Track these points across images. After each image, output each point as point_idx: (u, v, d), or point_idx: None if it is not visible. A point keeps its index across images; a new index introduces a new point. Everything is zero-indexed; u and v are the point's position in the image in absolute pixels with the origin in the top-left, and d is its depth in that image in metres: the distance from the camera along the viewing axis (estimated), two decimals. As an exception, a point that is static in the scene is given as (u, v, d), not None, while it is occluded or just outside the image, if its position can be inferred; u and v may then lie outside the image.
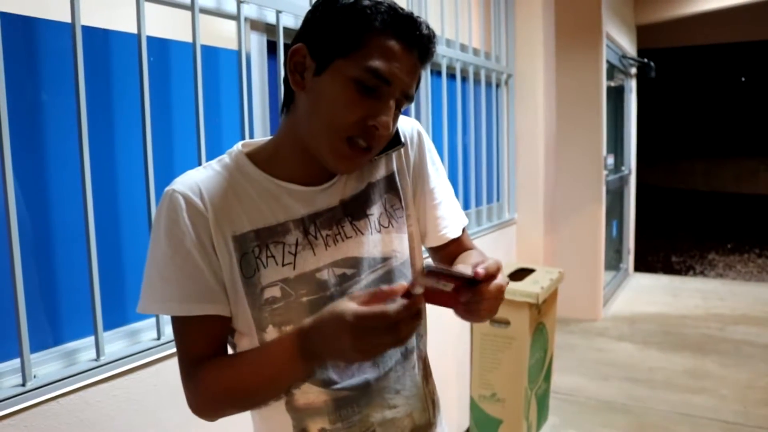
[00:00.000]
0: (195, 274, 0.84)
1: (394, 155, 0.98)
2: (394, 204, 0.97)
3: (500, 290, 0.78)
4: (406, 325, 0.70)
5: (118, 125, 1.35)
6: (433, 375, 1.09)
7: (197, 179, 0.87)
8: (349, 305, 0.72)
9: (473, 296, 0.77)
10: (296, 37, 0.89)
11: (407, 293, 0.72)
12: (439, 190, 1.03)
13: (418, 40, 0.84)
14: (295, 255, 0.88)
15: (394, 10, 0.83)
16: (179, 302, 0.84)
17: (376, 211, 0.95)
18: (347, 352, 0.72)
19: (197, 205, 0.85)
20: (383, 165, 0.98)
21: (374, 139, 0.85)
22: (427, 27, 0.86)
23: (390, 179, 0.98)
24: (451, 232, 1.03)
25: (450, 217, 1.04)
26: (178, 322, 0.87)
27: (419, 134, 1.02)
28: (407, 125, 1.01)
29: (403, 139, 0.97)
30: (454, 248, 1.05)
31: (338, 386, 0.90)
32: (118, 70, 1.35)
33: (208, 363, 0.85)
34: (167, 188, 0.86)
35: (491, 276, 0.77)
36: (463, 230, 1.06)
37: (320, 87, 0.84)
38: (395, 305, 0.69)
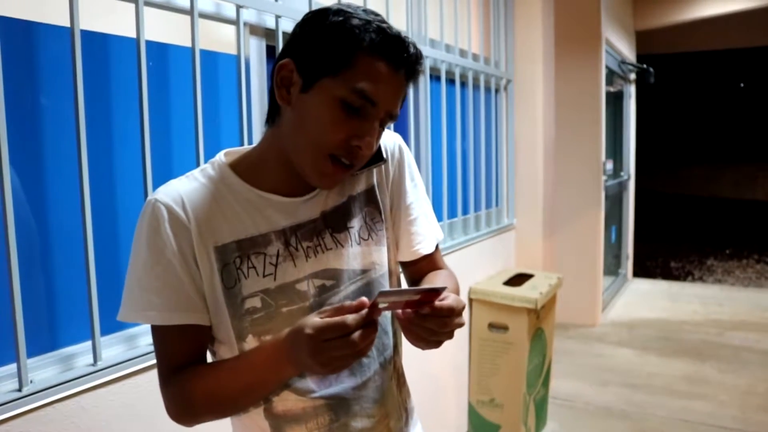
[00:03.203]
0: (175, 283, 0.85)
1: (374, 170, 0.99)
2: (375, 217, 0.98)
3: (450, 309, 0.79)
4: (363, 338, 0.73)
5: (117, 130, 1.35)
6: (432, 380, 1.10)
7: (180, 189, 0.88)
8: (310, 319, 0.75)
9: (422, 317, 0.79)
10: (283, 50, 0.89)
11: (371, 307, 0.75)
12: (415, 206, 1.04)
13: (405, 62, 0.84)
14: (276, 266, 0.89)
15: (383, 30, 0.83)
16: (159, 311, 0.85)
17: (356, 223, 0.96)
18: (310, 365, 0.76)
19: (180, 216, 0.85)
20: (364, 179, 0.99)
21: (357, 158, 0.86)
22: (415, 47, 0.86)
23: (370, 193, 0.99)
24: (424, 248, 1.05)
25: (424, 234, 1.05)
26: (157, 331, 0.88)
27: (400, 149, 1.03)
28: (389, 140, 1.02)
29: (384, 155, 0.99)
30: (426, 264, 1.06)
31: (317, 395, 0.91)
32: (117, 74, 1.34)
33: (188, 371, 0.86)
34: (149, 198, 0.87)
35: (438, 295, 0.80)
36: (436, 247, 1.08)
37: (306, 104, 0.84)
38: (352, 316, 0.73)
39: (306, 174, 0.88)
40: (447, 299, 0.80)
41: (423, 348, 0.84)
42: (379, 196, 0.99)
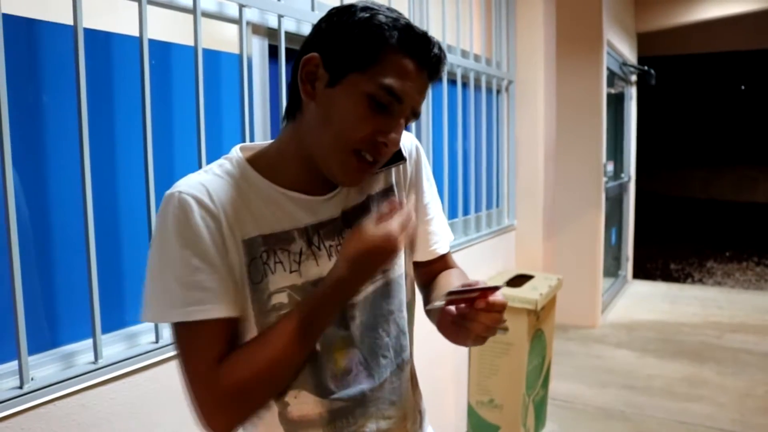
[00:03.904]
0: (215, 276, 0.81)
1: (393, 169, 0.99)
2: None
3: (503, 304, 0.82)
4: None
5: (119, 128, 1.35)
6: (431, 381, 1.10)
7: (202, 181, 0.85)
8: (364, 230, 0.83)
9: (475, 311, 0.82)
10: (307, 45, 0.88)
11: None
12: (431, 206, 1.05)
13: (430, 60, 0.85)
14: (299, 264, 0.87)
15: (410, 28, 0.84)
16: (203, 305, 0.80)
17: None
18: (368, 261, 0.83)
19: (209, 206, 0.82)
20: (382, 178, 0.98)
21: (381, 154, 0.86)
22: (439, 47, 0.87)
23: (388, 192, 0.99)
24: (441, 248, 1.05)
25: (440, 233, 1.06)
26: (192, 327, 0.81)
27: (417, 150, 1.04)
28: (406, 140, 1.02)
29: (405, 154, 0.98)
30: (440, 264, 1.07)
31: (335, 396, 0.89)
32: (119, 72, 1.35)
33: (232, 357, 0.81)
34: (170, 192, 0.83)
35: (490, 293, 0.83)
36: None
37: (332, 99, 0.84)
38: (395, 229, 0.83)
39: (329, 170, 0.87)
40: (497, 296, 0.82)
41: (468, 345, 0.86)
42: (397, 196, 0.99)
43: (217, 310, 0.81)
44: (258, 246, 0.85)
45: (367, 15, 0.83)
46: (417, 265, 1.06)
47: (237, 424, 0.82)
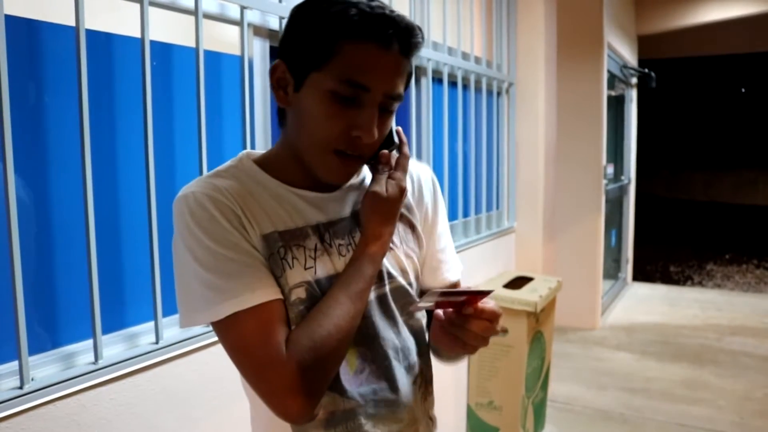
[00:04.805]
0: (252, 261, 0.81)
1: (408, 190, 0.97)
2: (404, 224, 0.98)
3: (492, 312, 0.81)
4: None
5: (120, 129, 1.35)
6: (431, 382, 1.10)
7: (212, 182, 0.84)
8: (379, 195, 0.89)
9: (463, 318, 0.81)
10: (278, 52, 0.88)
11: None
12: (443, 237, 1.05)
13: (394, 37, 0.80)
14: (315, 259, 0.87)
15: (363, 12, 0.79)
16: (250, 291, 0.78)
17: None
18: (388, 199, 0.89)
19: (225, 202, 0.81)
20: None
21: (361, 149, 0.84)
22: (404, 20, 0.81)
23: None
24: (453, 275, 1.04)
25: (451, 262, 1.05)
26: (247, 316, 0.78)
27: (433, 182, 1.04)
28: (423, 173, 1.02)
29: (395, 139, 0.94)
30: None
31: (348, 394, 0.88)
32: (121, 73, 1.35)
33: (293, 336, 0.79)
34: (183, 194, 0.82)
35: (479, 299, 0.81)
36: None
37: (301, 102, 0.83)
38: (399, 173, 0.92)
39: (315, 171, 0.86)
40: (489, 303, 0.80)
41: (459, 353, 0.85)
42: (411, 201, 0.99)
43: (268, 293, 0.80)
44: (275, 241, 0.84)
45: (320, 9, 0.81)
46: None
47: (316, 401, 0.80)
